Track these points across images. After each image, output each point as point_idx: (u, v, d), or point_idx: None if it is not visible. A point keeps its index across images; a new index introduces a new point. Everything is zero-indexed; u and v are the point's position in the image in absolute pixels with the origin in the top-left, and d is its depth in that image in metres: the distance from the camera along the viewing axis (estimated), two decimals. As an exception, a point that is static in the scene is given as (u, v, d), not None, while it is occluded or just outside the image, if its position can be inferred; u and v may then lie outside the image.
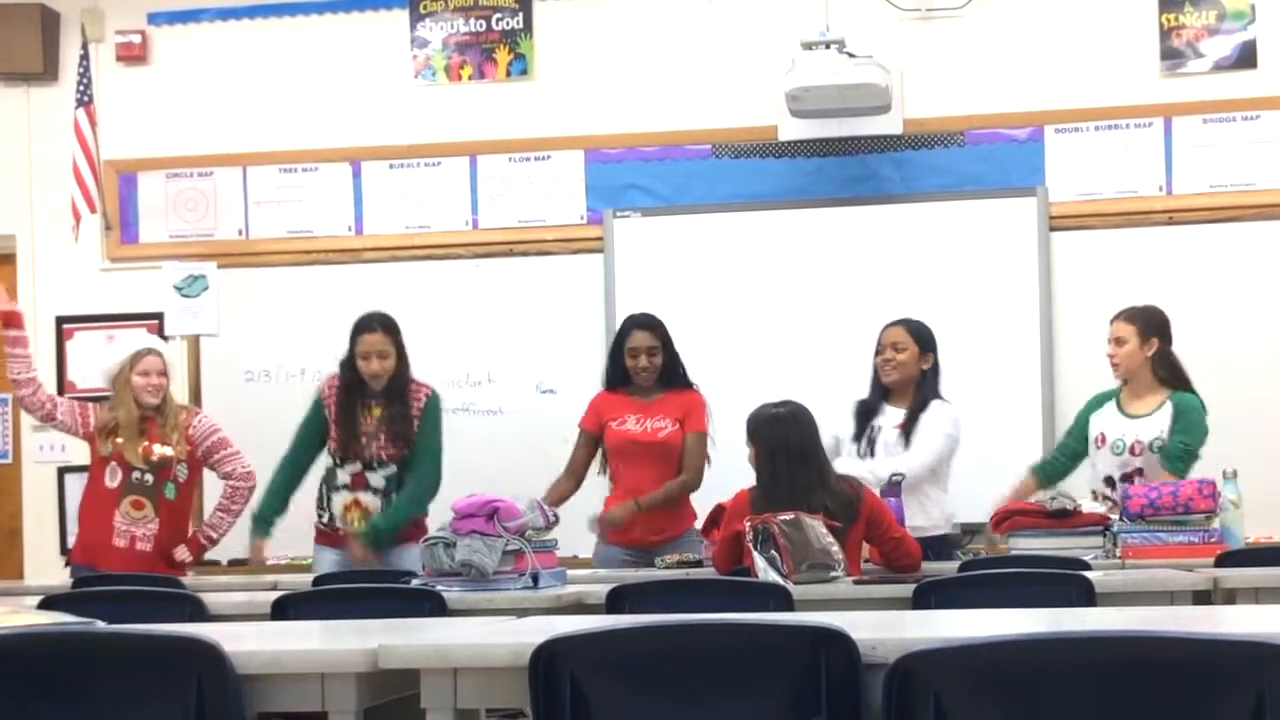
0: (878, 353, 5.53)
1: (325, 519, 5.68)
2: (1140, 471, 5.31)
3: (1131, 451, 5.36)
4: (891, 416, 5.46)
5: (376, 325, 5.62)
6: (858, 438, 5.44)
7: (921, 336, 5.52)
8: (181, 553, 5.73)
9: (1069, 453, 5.59)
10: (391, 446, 5.62)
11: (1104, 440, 5.42)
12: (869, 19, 6.55)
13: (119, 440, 5.67)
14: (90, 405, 5.85)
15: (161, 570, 5.53)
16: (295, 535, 6.16)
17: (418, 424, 5.62)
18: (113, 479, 5.67)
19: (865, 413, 5.48)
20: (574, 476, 5.71)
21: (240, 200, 7.00)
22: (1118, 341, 5.40)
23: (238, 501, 5.80)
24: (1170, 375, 5.37)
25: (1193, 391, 5.36)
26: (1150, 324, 5.40)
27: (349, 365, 5.66)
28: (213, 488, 6.05)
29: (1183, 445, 5.26)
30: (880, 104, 6.30)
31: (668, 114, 6.72)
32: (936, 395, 5.47)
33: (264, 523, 5.75)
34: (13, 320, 5.85)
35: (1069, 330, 6.37)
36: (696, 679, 2.47)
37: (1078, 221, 6.46)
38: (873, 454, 5.40)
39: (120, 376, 5.73)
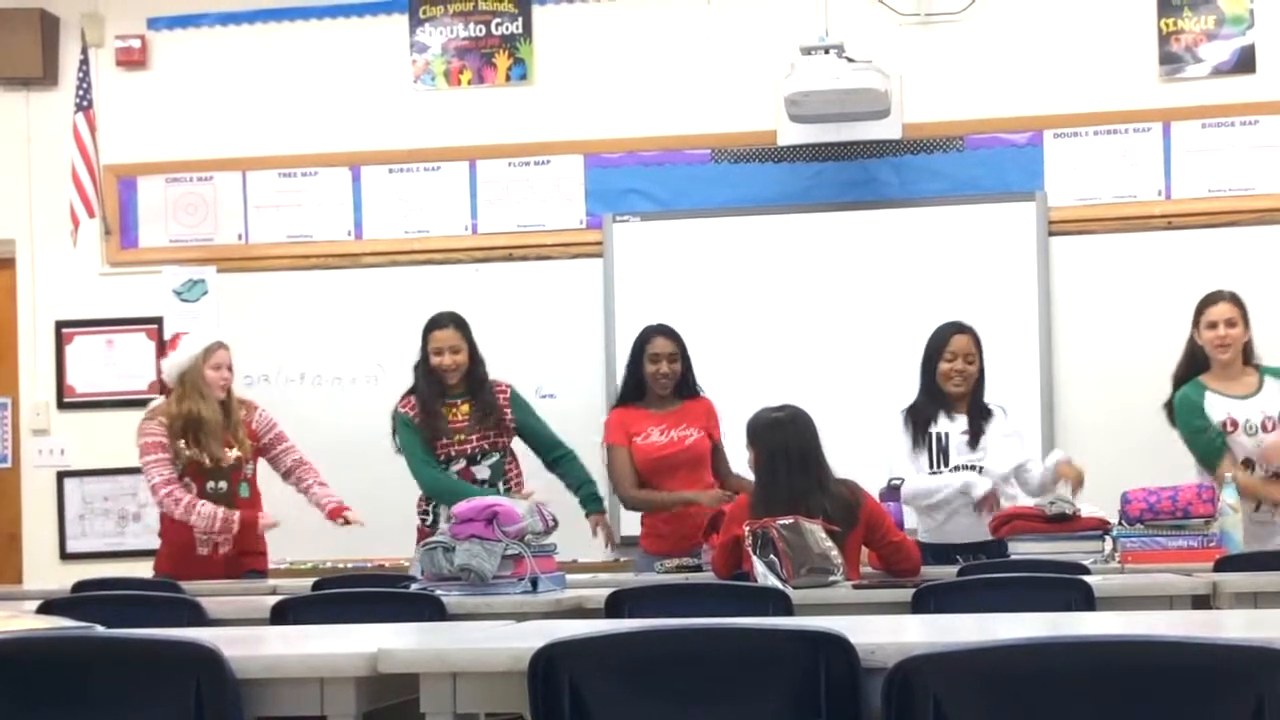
0: (944, 359, 5.44)
1: (430, 521, 5.73)
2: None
3: (1264, 429, 5.41)
4: (949, 422, 5.42)
5: (448, 321, 5.78)
6: (919, 447, 5.38)
7: (980, 346, 5.50)
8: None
9: (1217, 434, 5.47)
10: (488, 437, 5.74)
11: (1235, 425, 5.43)
12: (868, 24, 6.56)
13: (185, 448, 5.61)
14: (154, 431, 5.67)
15: (242, 566, 5.64)
16: (296, 535, 6.17)
17: (510, 413, 5.78)
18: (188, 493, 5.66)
19: (923, 421, 5.41)
20: (637, 489, 5.73)
21: (240, 205, 7.00)
22: (1229, 323, 5.45)
23: (313, 478, 5.88)
24: (1250, 358, 5.52)
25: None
26: (1246, 308, 5.51)
27: (423, 367, 5.77)
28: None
29: None
30: (879, 109, 6.30)
31: (667, 119, 6.73)
32: (986, 400, 5.48)
33: None
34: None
35: (1068, 335, 6.37)
36: (696, 683, 2.47)
37: (1077, 226, 6.46)
38: (946, 462, 5.37)
39: (194, 370, 5.69)
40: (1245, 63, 6.44)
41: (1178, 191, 6.44)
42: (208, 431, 5.63)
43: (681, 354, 5.75)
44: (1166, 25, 6.48)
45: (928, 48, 6.60)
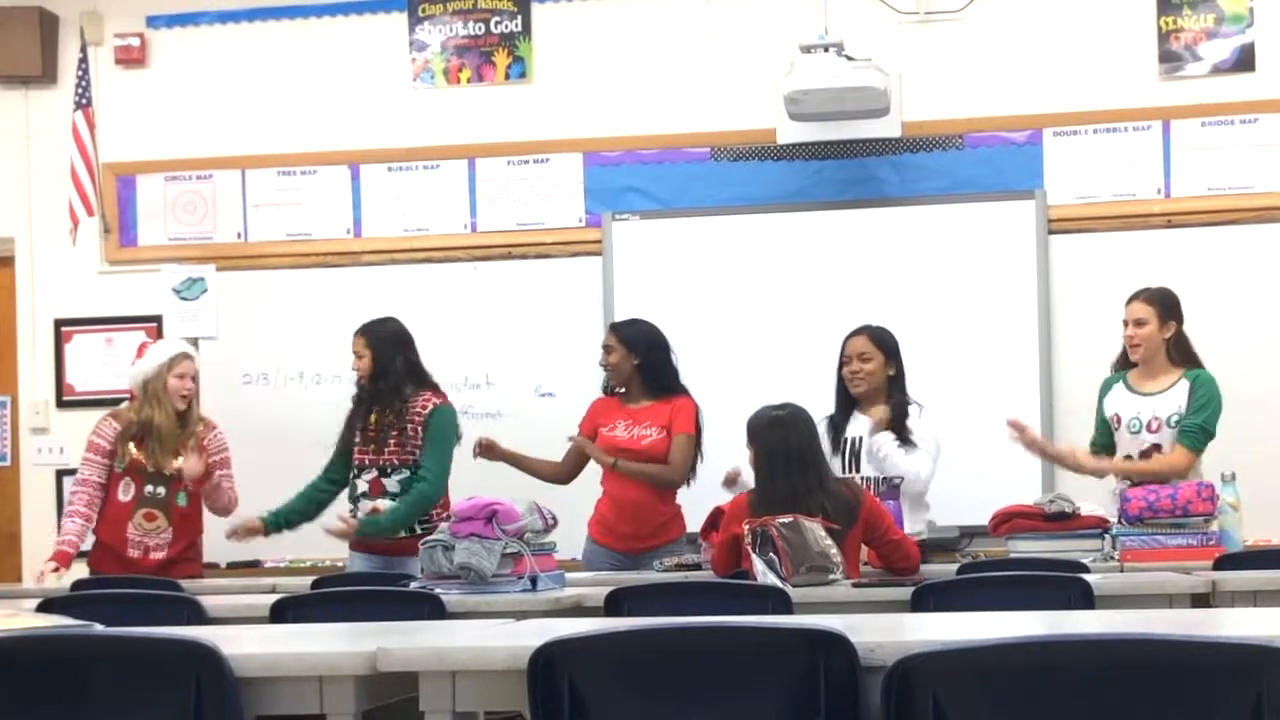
0: (843, 364, 5.50)
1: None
2: (1158, 447, 5.36)
3: (1148, 429, 5.39)
4: (861, 425, 5.45)
5: (361, 329, 5.82)
6: (835, 452, 5.39)
7: (885, 343, 5.49)
8: (192, 464, 5.76)
9: (1103, 448, 5.53)
10: (395, 452, 5.69)
11: (1119, 421, 5.45)
12: (868, 22, 6.55)
13: (134, 451, 5.73)
14: (102, 430, 5.85)
15: (176, 576, 5.60)
16: (293, 535, 6.17)
17: (420, 432, 5.67)
18: (125, 493, 5.79)
19: (837, 427, 5.45)
20: (560, 468, 5.83)
21: (239, 203, 7.00)
22: (1138, 323, 5.44)
23: (225, 501, 5.89)
24: (1182, 356, 5.43)
25: (1205, 370, 5.42)
26: (1168, 306, 5.46)
27: None
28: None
29: (1199, 424, 5.30)
30: (879, 107, 6.30)
31: (666, 117, 6.73)
32: (907, 400, 5.46)
33: (272, 525, 5.84)
34: None
35: (1067, 333, 6.37)
36: (695, 682, 2.47)
37: (1076, 224, 6.46)
38: (857, 467, 5.38)
39: (159, 379, 5.80)
40: (1245, 61, 6.43)
41: (1177, 190, 6.44)
42: (159, 439, 5.75)
43: (637, 349, 5.72)
44: (1166, 23, 6.47)
45: (927, 46, 6.60)
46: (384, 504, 5.67)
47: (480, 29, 6.89)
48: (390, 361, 5.74)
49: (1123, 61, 6.49)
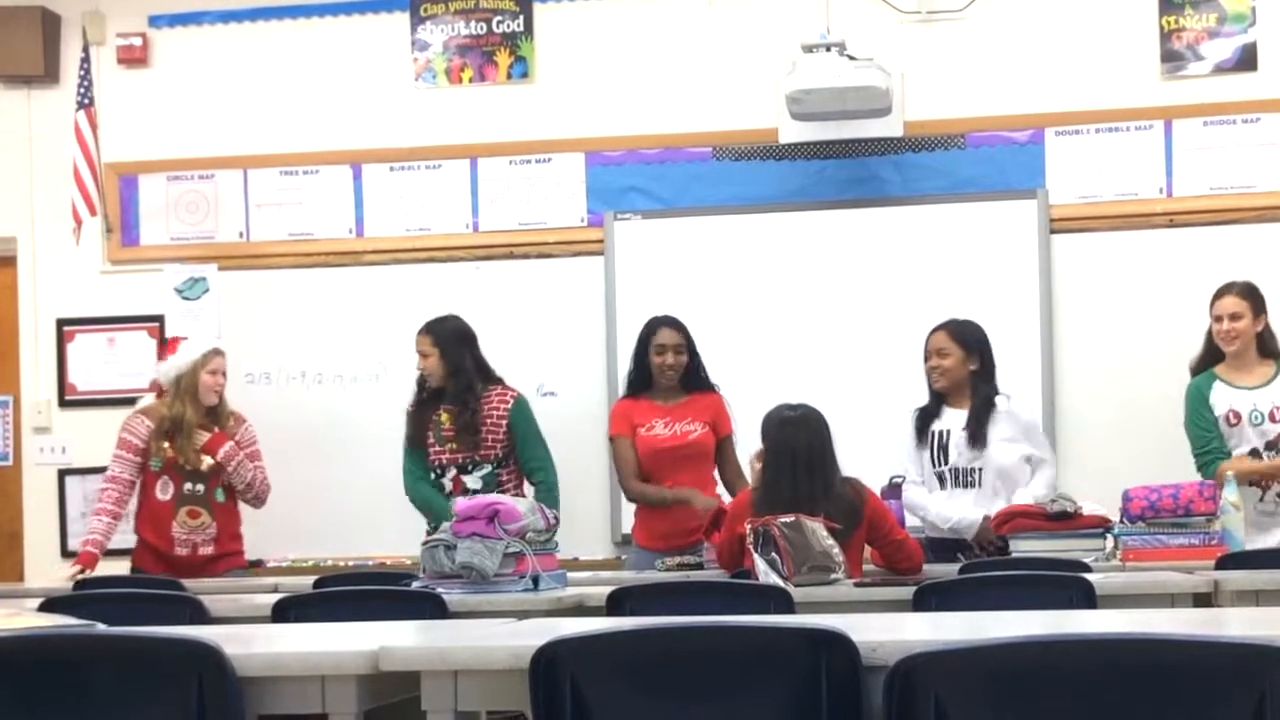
0: (926, 359, 5.56)
1: (433, 526, 5.71)
2: None
3: (1270, 419, 5.45)
4: (952, 418, 5.49)
5: (426, 327, 5.91)
6: (922, 445, 5.47)
7: (964, 337, 5.54)
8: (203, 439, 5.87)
9: (1218, 435, 5.52)
10: (478, 447, 5.77)
11: (1238, 417, 5.48)
12: (869, 22, 6.55)
13: (166, 446, 5.84)
14: (133, 427, 5.95)
15: (223, 570, 5.81)
16: (295, 534, 6.18)
17: (503, 426, 5.78)
18: (164, 492, 5.90)
19: (925, 418, 5.52)
20: (639, 482, 5.76)
21: (241, 203, 6.99)
22: (1234, 317, 5.50)
23: (261, 495, 6.01)
24: (1269, 348, 5.54)
25: None
26: (1258, 300, 5.55)
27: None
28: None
29: None
30: (881, 106, 6.30)
31: (668, 116, 6.72)
32: (995, 392, 5.49)
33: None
34: None
35: (1069, 333, 6.37)
36: (697, 681, 2.47)
37: (1078, 224, 6.46)
38: (946, 459, 5.43)
39: (192, 375, 5.91)
40: (1247, 60, 6.43)
41: (1179, 189, 6.43)
42: (189, 435, 5.85)
43: (689, 346, 5.78)
44: (1168, 23, 6.47)
45: (929, 45, 6.60)
46: None
47: (482, 29, 6.89)
48: (461, 360, 5.84)
49: (1125, 61, 6.48)
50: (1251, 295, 5.54)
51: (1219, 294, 5.56)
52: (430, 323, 5.93)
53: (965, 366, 5.49)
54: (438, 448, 5.82)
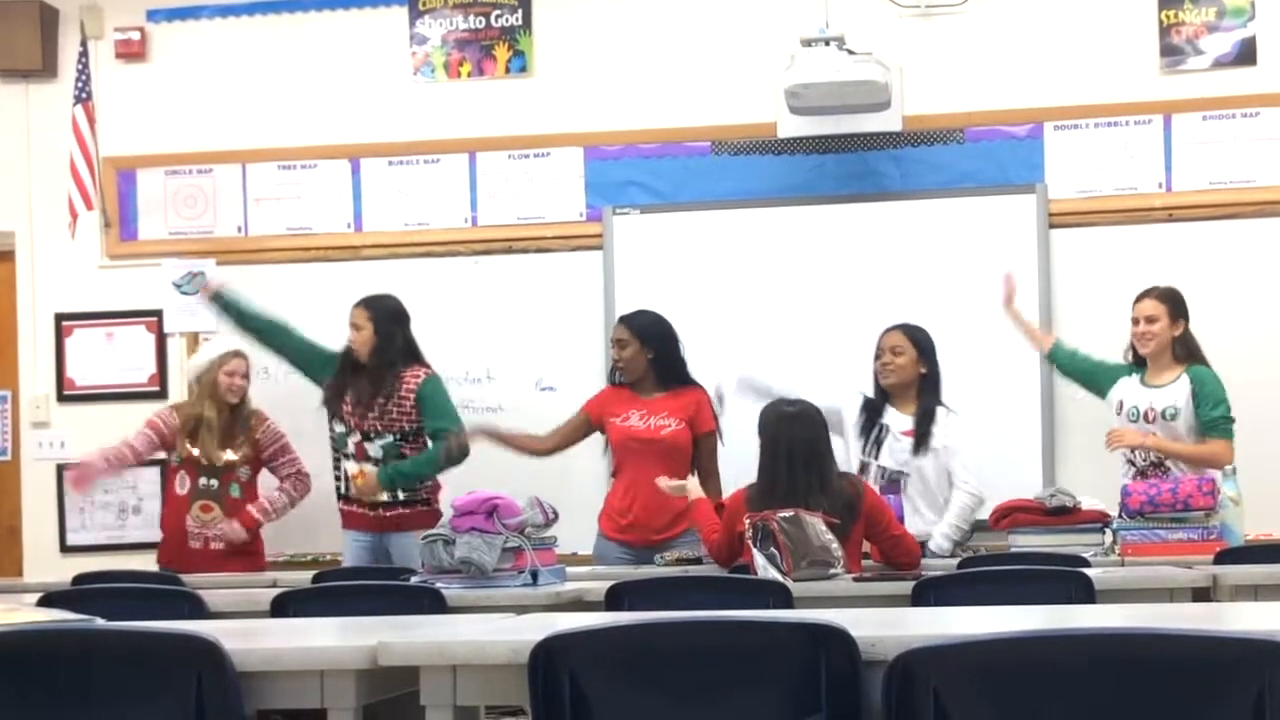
0: (876, 357, 5.60)
1: (343, 487, 6.04)
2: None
3: (1145, 419, 5.55)
4: (895, 419, 5.51)
5: (362, 301, 6.06)
6: (864, 433, 5.54)
7: (919, 341, 5.58)
8: (233, 529, 6.06)
9: (1089, 364, 5.83)
10: (379, 420, 5.94)
11: (1121, 407, 5.64)
12: (868, 16, 6.54)
13: (189, 445, 6.06)
14: (163, 415, 6.24)
15: (236, 566, 5.94)
16: (295, 532, 6.17)
17: (411, 401, 5.93)
18: (182, 486, 6.15)
19: (871, 410, 5.58)
20: (551, 440, 5.91)
21: (239, 197, 6.99)
22: (1149, 320, 5.61)
23: (298, 492, 6.23)
24: (1186, 353, 5.61)
25: (1208, 366, 5.59)
26: (1178, 305, 5.65)
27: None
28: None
29: (1223, 415, 5.48)
30: (880, 101, 6.29)
31: (667, 111, 6.72)
32: (939, 403, 5.50)
33: (226, 299, 6.18)
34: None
35: (1068, 327, 6.35)
36: (696, 676, 2.47)
37: (1077, 218, 6.46)
38: (878, 453, 5.48)
39: (209, 374, 6.14)
40: (1246, 55, 6.43)
41: (1178, 184, 6.43)
42: (207, 432, 6.06)
43: (644, 341, 5.73)
44: (1167, 17, 6.47)
45: (928, 40, 6.59)
46: (368, 469, 5.92)
47: (481, 23, 6.88)
48: (391, 338, 5.98)
49: (1124, 55, 6.48)
50: (1171, 300, 5.64)
51: (1139, 297, 5.68)
52: (368, 298, 6.08)
53: (917, 368, 5.56)
54: (348, 410, 5.98)
